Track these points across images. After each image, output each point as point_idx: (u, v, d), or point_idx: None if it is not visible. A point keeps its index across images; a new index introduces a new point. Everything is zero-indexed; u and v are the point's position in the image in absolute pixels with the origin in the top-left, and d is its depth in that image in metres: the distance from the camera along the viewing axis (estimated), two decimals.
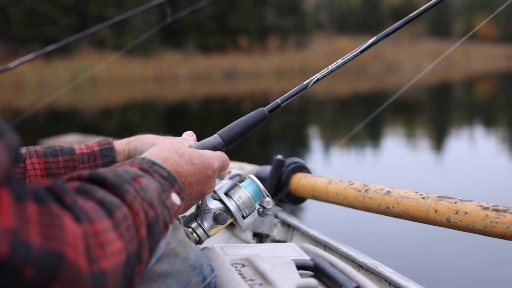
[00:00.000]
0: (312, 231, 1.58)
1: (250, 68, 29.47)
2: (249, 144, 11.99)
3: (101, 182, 0.73)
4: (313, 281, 1.02)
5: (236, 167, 1.89)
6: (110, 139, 1.21)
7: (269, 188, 1.72)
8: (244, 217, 1.12)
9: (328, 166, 10.12)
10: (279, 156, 1.74)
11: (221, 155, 1.07)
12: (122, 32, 27.94)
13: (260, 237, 1.78)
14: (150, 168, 0.88)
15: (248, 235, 1.81)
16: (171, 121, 14.53)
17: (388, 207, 1.43)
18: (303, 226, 1.63)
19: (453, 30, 42.86)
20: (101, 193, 0.70)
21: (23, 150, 1.18)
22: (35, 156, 1.12)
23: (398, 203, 1.40)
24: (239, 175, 1.17)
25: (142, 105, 18.17)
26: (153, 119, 14.91)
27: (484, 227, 1.22)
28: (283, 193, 1.71)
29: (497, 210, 1.21)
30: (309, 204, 1.73)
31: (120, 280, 0.67)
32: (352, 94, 18.76)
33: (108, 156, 1.16)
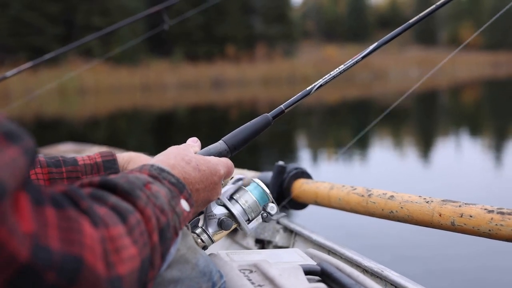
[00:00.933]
0: (315, 237, 1.58)
1: (238, 76, 29.51)
2: (238, 153, 11.98)
3: (113, 188, 0.73)
4: (322, 286, 1.02)
5: (237, 174, 1.89)
6: (113, 151, 1.21)
7: (271, 193, 1.72)
8: (249, 221, 1.13)
9: (317, 174, 10.10)
10: (281, 162, 1.75)
11: (226, 161, 1.08)
12: (109, 41, 27.84)
13: (262, 244, 1.78)
14: (159, 175, 0.88)
15: (250, 242, 1.81)
16: (158, 129, 14.49)
17: (391, 211, 1.43)
18: (306, 232, 1.64)
19: (439, 38, 43.29)
20: (113, 199, 0.70)
21: None
22: (38, 166, 1.12)
23: (402, 207, 1.41)
24: (241, 179, 1.18)
25: (129, 114, 18.12)
26: (141, 128, 14.87)
27: (489, 230, 1.23)
28: (286, 199, 1.71)
29: (502, 213, 1.22)
30: (311, 209, 1.73)
31: (135, 285, 0.67)
32: (341, 102, 18.85)
33: (111, 168, 1.17)
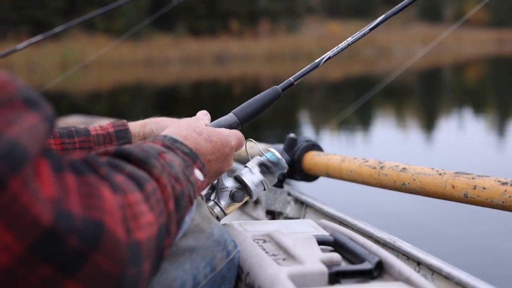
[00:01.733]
0: (327, 208, 1.59)
1: (241, 52, 29.34)
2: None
3: (128, 157, 0.74)
4: (336, 256, 1.03)
5: (247, 146, 1.89)
6: (125, 121, 1.21)
7: None
8: (264, 189, 1.14)
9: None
10: (292, 135, 1.75)
11: (237, 133, 1.09)
12: (112, 15, 27.66)
13: (273, 215, 1.79)
14: (172, 145, 0.89)
15: (261, 213, 1.82)
16: (162, 104, 14.46)
17: (404, 183, 1.44)
18: (317, 204, 1.64)
19: (444, 15, 42.88)
20: (129, 167, 0.71)
21: None
22: (51, 137, 1.12)
23: (414, 179, 1.41)
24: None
25: (132, 89, 18.07)
26: (144, 103, 14.83)
27: (503, 202, 1.24)
28: (297, 171, 1.72)
29: None
30: (322, 181, 1.73)
31: (153, 252, 0.68)
32: (345, 79, 18.77)
33: (123, 138, 1.17)
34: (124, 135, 1.17)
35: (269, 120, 12.85)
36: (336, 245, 1.18)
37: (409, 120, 11.99)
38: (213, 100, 14.55)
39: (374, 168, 1.52)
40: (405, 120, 11.83)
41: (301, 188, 1.78)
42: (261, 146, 1.91)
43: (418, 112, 12.64)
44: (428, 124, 11.89)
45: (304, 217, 1.72)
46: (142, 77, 22.38)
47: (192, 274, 0.95)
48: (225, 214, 1.13)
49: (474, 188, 1.29)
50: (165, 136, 0.91)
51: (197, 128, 1.00)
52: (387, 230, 1.39)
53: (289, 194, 1.76)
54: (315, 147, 1.76)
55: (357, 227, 1.43)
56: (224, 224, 1.20)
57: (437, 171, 1.39)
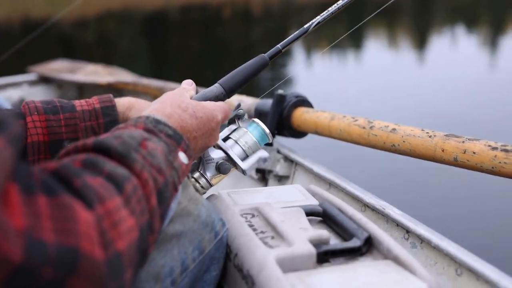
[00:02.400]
0: (316, 169, 1.58)
1: None
2: (232, 53, 11.83)
3: (107, 152, 0.72)
4: (325, 233, 1.03)
5: (234, 100, 1.86)
6: (111, 96, 1.17)
7: (271, 123, 1.71)
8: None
9: (311, 73, 10.08)
10: (280, 91, 1.71)
11: (223, 105, 1.06)
12: None
13: (263, 173, 1.78)
14: (155, 127, 0.86)
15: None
16: (150, 32, 14.17)
17: (393, 145, 1.42)
18: (306, 163, 1.63)
19: None
20: (108, 165, 0.69)
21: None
22: (36, 113, 1.08)
23: (404, 141, 1.39)
24: (241, 115, 1.15)
25: (119, 15, 17.64)
26: (132, 31, 14.52)
27: (492, 167, 1.23)
28: (286, 128, 1.70)
29: (506, 151, 1.21)
30: (311, 136, 1.71)
31: (135, 256, 0.68)
32: None
33: (110, 115, 1.13)
34: (110, 112, 1.13)
35: (260, 45, 12.66)
36: (325, 216, 1.18)
37: (401, 39, 11.84)
38: (202, 25, 14.26)
39: (364, 128, 1.50)
40: (397, 39, 11.69)
41: (291, 143, 1.76)
42: (248, 100, 1.88)
43: (410, 31, 12.47)
44: (420, 42, 11.75)
45: (294, 175, 1.71)
46: (128, 1, 21.79)
47: (180, 259, 0.95)
48: (211, 186, 1.12)
49: (464, 153, 1.27)
50: (147, 118, 0.88)
51: (182, 103, 0.97)
52: (377, 193, 1.39)
53: (278, 151, 1.74)
54: (305, 103, 1.72)
55: (346, 191, 1.43)
56: (211, 195, 1.19)
57: (427, 133, 1.37)
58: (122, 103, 1.16)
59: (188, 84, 1.12)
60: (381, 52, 10.17)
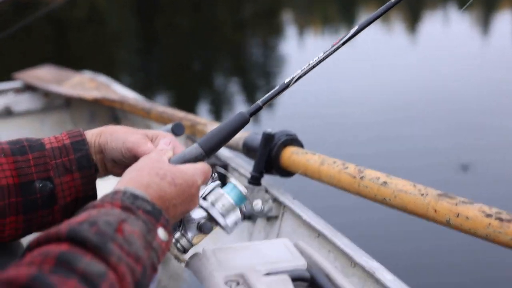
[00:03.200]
0: (305, 216, 1.54)
1: None
2: (221, 31, 11.70)
3: (83, 244, 0.69)
4: None
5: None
6: (81, 130, 1.12)
7: (259, 162, 1.66)
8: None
9: (303, 50, 9.98)
10: (269, 130, 1.67)
11: (202, 168, 1.02)
12: None
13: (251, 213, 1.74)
14: (132, 204, 0.83)
15: None
16: (140, 9, 13.97)
17: (385, 198, 1.38)
18: (295, 209, 1.60)
19: None
20: (83, 262, 0.66)
21: None
22: (2, 155, 1.03)
23: (395, 196, 1.35)
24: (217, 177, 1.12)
25: None
26: (121, 8, 14.28)
27: (487, 235, 1.19)
28: (274, 168, 1.66)
29: (501, 219, 1.17)
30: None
31: None
32: None
33: (81, 150, 1.08)
34: (81, 147, 1.09)
35: (252, 24, 12.51)
36: (312, 283, 1.16)
37: (394, 16, 11.74)
38: (193, 3, 14.03)
39: (354, 177, 1.45)
40: (389, 16, 11.57)
41: (280, 179, 1.72)
42: (238, 134, 1.82)
43: (403, 7, 12.35)
44: (413, 21, 11.69)
45: (282, 216, 1.68)
46: None
47: None
48: (192, 245, 1.09)
49: (457, 216, 1.23)
50: (124, 193, 0.85)
51: (160, 170, 0.94)
52: (367, 243, 1.36)
53: (266, 191, 1.70)
54: (294, 142, 1.67)
55: (336, 245, 1.39)
56: (195, 254, 1.16)
57: (419, 190, 1.32)
58: (91, 132, 1.12)
59: (166, 144, 1.07)
60: (373, 28, 10.10)
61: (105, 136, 1.11)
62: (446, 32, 10.62)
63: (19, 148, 1.05)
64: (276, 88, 1.14)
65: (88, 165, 1.06)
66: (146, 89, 7.45)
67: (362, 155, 4.60)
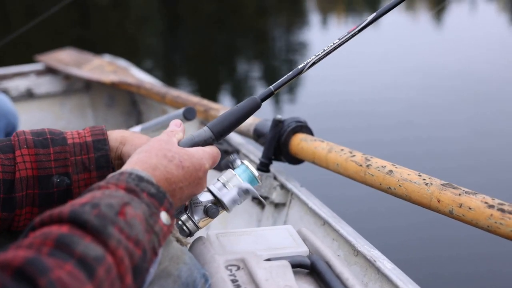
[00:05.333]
0: (311, 204, 1.55)
1: None
2: (245, 16, 11.65)
3: (83, 226, 0.70)
4: None
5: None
6: (104, 128, 1.14)
7: (268, 148, 1.67)
8: (238, 204, 1.10)
9: (326, 37, 9.89)
10: (278, 116, 1.67)
11: (211, 152, 1.03)
12: None
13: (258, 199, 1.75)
14: (137, 186, 0.84)
15: None
16: None
17: (389, 187, 1.38)
18: (302, 196, 1.61)
19: None
20: (81, 245, 0.67)
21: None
22: (25, 146, 1.06)
23: (400, 185, 1.36)
24: (232, 161, 1.13)
25: None
26: None
27: (488, 226, 1.19)
28: (283, 154, 1.67)
29: (503, 211, 1.17)
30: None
31: None
32: None
33: (101, 150, 1.10)
34: (102, 146, 1.10)
35: (276, 10, 12.44)
36: (312, 269, 1.17)
37: (419, 2, 11.58)
38: None
39: (361, 165, 1.46)
40: (414, 2, 11.43)
41: (289, 166, 1.73)
42: (248, 120, 1.83)
43: None
44: (438, 4, 11.46)
45: (290, 203, 1.69)
46: None
47: None
48: (198, 228, 1.11)
49: (460, 207, 1.23)
50: (130, 175, 0.86)
51: (168, 152, 0.95)
52: (371, 233, 1.37)
53: (275, 178, 1.71)
54: (303, 128, 1.68)
55: (340, 232, 1.41)
56: (199, 238, 1.17)
57: (424, 179, 1.32)
58: (115, 137, 1.12)
59: (176, 126, 1.08)
60: (397, 14, 9.98)
61: (128, 148, 1.10)
62: (473, 18, 10.39)
63: (42, 141, 1.07)
64: (289, 73, 1.13)
65: (106, 165, 1.08)
66: (169, 74, 7.49)
67: (386, 142, 4.57)
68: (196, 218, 1.07)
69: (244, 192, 1.09)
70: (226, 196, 1.08)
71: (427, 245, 3.09)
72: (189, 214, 1.07)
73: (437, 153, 4.38)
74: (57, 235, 0.66)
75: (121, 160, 1.10)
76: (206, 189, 1.07)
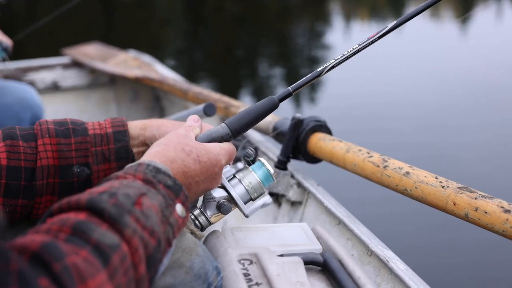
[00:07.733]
0: (327, 203, 1.57)
1: None
2: (268, 18, 11.66)
3: (100, 214, 0.71)
4: None
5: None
6: (125, 119, 1.16)
7: (287, 146, 1.69)
8: (253, 200, 1.11)
9: (349, 40, 9.85)
10: (298, 115, 1.69)
11: (228, 148, 1.04)
12: None
13: (276, 197, 1.77)
14: (154, 178, 0.85)
15: None
16: None
17: (406, 189, 1.39)
18: (318, 195, 1.62)
19: None
20: (97, 233, 0.68)
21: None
22: (47, 135, 1.08)
23: (416, 187, 1.36)
24: (249, 155, 1.14)
25: None
26: None
27: (503, 231, 1.19)
28: (301, 153, 1.68)
29: None
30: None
31: None
32: None
33: (121, 141, 1.12)
34: (122, 138, 1.13)
35: (299, 12, 12.43)
36: (324, 267, 1.18)
37: (443, 8, 11.47)
38: None
39: (378, 166, 1.47)
40: (439, 9, 11.33)
41: (307, 164, 1.74)
42: (268, 117, 1.85)
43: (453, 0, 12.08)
44: (464, 13, 11.38)
45: (306, 202, 1.70)
46: None
47: None
48: (210, 224, 1.12)
49: (476, 210, 1.24)
50: (148, 166, 0.88)
51: (186, 146, 0.96)
52: (386, 234, 1.37)
53: (292, 176, 1.73)
54: (322, 128, 1.69)
55: (354, 232, 1.42)
56: (214, 232, 1.18)
57: (440, 182, 1.33)
58: (135, 124, 1.15)
59: (194, 121, 1.09)
60: (421, 20, 9.92)
61: (151, 130, 1.14)
62: (498, 26, 10.27)
63: (63, 131, 1.09)
64: (308, 75, 1.14)
65: (126, 156, 1.11)
66: (191, 73, 7.53)
67: (404, 144, 4.54)
68: (208, 213, 1.08)
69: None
70: (239, 194, 1.09)
71: (441, 247, 3.08)
72: (201, 209, 1.08)
73: (455, 157, 4.36)
74: (74, 221, 0.68)
75: (145, 147, 1.13)
76: (220, 185, 1.09)
